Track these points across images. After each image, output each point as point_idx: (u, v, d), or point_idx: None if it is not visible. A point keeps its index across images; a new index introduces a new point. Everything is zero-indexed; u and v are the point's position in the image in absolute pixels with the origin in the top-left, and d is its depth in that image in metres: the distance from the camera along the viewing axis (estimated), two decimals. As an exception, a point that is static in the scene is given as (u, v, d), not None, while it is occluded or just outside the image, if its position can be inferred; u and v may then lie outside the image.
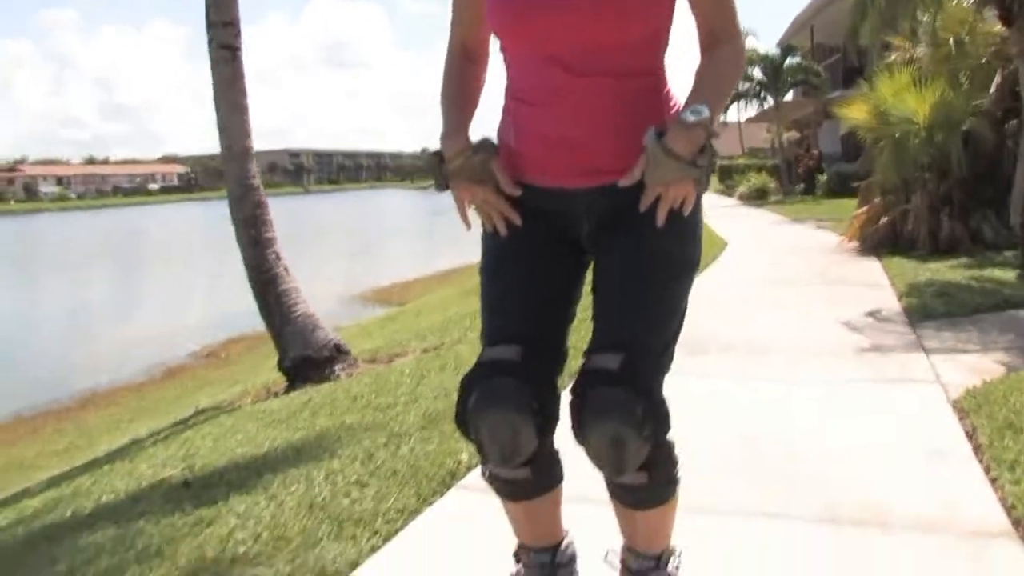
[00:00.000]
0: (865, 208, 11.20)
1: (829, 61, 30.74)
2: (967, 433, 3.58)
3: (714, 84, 1.81)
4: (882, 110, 10.75)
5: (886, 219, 10.57)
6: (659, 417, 1.76)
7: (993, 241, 9.72)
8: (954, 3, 9.46)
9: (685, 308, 1.86)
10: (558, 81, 1.78)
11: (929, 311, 6.35)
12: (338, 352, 6.66)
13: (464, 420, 1.82)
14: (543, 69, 1.79)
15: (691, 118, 1.67)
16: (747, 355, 5.28)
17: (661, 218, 1.75)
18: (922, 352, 5.13)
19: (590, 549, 2.18)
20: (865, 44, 11.86)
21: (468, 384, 1.82)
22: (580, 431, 1.76)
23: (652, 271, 1.81)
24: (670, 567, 2.01)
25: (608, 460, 1.75)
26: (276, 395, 6.54)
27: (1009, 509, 2.79)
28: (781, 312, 6.71)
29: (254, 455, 4.08)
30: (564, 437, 1.88)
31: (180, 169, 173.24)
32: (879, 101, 10.88)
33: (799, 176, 28.82)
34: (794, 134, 33.49)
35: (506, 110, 1.94)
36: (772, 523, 2.82)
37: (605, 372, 1.73)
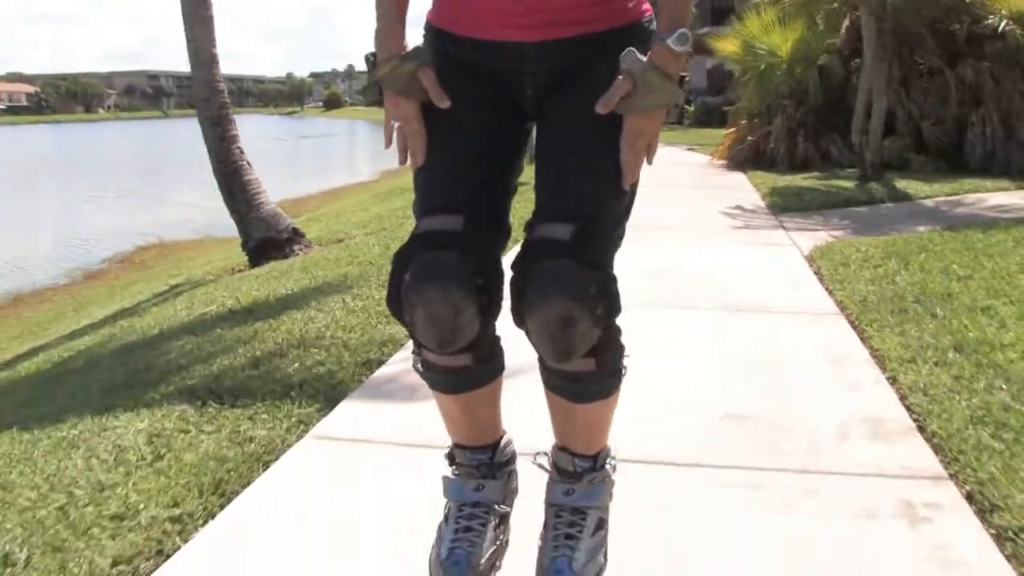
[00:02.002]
0: (732, 130, 12.79)
1: (698, -1, 32.37)
2: (814, 271, 5.05)
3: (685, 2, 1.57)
4: (750, 45, 12.28)
5: (750, 139, 12.19)
6: (612, 296, 1.55)
7: (839, 159, 11.43)
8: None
9: (636, 184, 1.63)
10: None
11: (787, 206, 7.92)
12: (295, 235, 7.77)
13: (397, 300, 1.56)
14: None
15: (678, 47, 1.50)
16: (646, 232, 6.62)
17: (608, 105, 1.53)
18: (782, 230, 6.65)
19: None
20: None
21: (403, 259, 1.57)
22: (524, 310, 1.53)
23: (606, 135, 1.56)
24: (607, 467, 1.78)
25: (555, 342, 1.51)
26: (241, 271, 7.58)
27: (838, 303, 4.23)
28: (669, 207, 8.11)
29: (278, 295, 5.17)
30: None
31: (28, 89, 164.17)
32: (748, 36, 12.40)
33: (668, 107, 30.50)
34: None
35: None
36: (689, 312, 4.18)
37: (555, 243, 1.51)
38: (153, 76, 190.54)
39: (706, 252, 5.70)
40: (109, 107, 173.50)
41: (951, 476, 2.34)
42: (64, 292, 12.46)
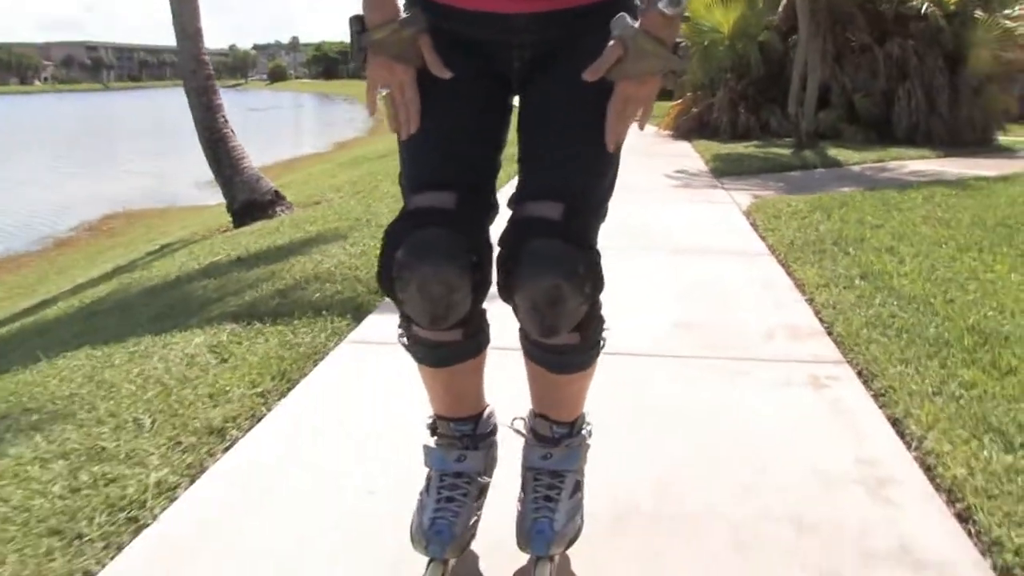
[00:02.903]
0: (678, 102, 13.56)
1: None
2: (750, 222, 5.81)
3: None
4: (694, 21, 13.02)
5: (695, 111, 13.00)
6: (598, 274, 1.59)
7: (777, 129, 12.26)
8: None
9: (619, 158, 1.67)
10: None
11: (727, 171, 8.72)
12: (277, 197, 8.36)
13: (389, 278, 1.56)
14: None
15: (670, 11, 1.48)
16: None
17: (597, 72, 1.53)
18: (722, 190, 7.43)
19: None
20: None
21: (395, 237, 1.56)
22: (513, 287, 1.55)
23: (593, 113, 1.57)
24: (584, 430, 1.85)
25: (543, 319, 1.54)
26: (227, 231, 8.17)
27: (769, 246, 4.99)
28: (620, 171, 8.83)
29: (278, 245, 5.79)
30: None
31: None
32: (692, 13, 13.13)
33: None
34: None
35: None
36: (642, 253, 4.91)
37: (545, 222, 1.54)
38: (92, 47, 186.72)
39: (655, 208, 6.43)
40: (46, 79, 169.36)
41: (847, 361, 3.09)
42: (38, 258, 12.86)
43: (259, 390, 2.91)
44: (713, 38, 12.70)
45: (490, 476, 1.88)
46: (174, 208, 16.69)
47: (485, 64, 1.65)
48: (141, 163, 26.96)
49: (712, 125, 12.75)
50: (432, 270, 1.50)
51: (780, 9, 12.76)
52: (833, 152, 10.21)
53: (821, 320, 3.57)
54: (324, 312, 3.77)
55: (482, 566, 1.86)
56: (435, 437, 1.86)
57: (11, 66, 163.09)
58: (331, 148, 27.75)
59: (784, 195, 6.98)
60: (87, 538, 2.00)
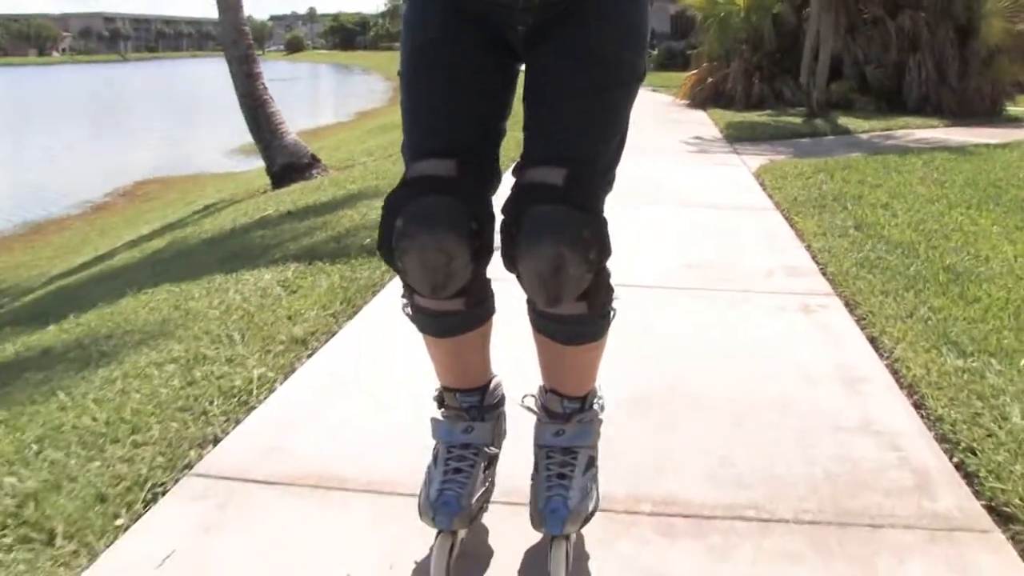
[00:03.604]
0: (694, 72, 13.95)
1: (663, -54, 33.23)
2: (758, 182, 6.26)
3: None
4: (711, -7, 13.41)
5: (711, 80, 13.39)
6: (603, 240, 1.56)
7: (790, 99, 12.64)
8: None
9: (627, 125, 1.67)
10: None
11: (740, 137, 9.16)
12: (314, 160, 8.85)
13: (389, 247, 1.55)
14: None
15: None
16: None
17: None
18: (735, 154, 7.87)
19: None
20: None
21: (395, 205, 1.56)
22: (516, 254, 1.53)
23: (598, 76, 1.57)
24: (595, 405, 1.82)
25: (547, 287, 1.52)
26: (266, 192, 8.67)
27: (775, 203, 5.44)
28: (634, 137, 9.27)
29: (323, 201, 6.28)
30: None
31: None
32: (709, -14, 13.52)
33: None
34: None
35: None
36: (658, 206, 5.37)
37: (548, 187, 1.53)
38: (110, 19, 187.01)
39: (670, 169, 6.88)
40: (64, 50, 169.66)
41: (836, 293, 3.56)
42: (79, 221, 13.40)
43: (330, 312, 3.40)
44: (729, 10, 13.08)
45: (499, 447, 1.85)
46: (204, 175, 17.15)
47: (488, 31, 1.64)
48: (166, 132, 27.48)
49: (727, 95, 13.14)
50: (431, 238, 1.49)
51: (795, -19, 13.11)
52: (843, 121, 10.61)
53: (816, 262, 4.03)
54: (376, 255, 4.25)
55: (492, 540, 1.85)
56: (442, 409, 1.84)
57: (29, 37, 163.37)
58: (353, 117, 28.09)
59: (793, 159, 7.41)
60: (211, 414, 2.50)
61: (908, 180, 6.00)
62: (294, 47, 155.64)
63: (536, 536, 1.77)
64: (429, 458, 1.79)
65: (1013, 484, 1.97)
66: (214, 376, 2.78)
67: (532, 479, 1.76)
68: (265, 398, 2.63)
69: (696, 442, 2.28)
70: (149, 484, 2.11)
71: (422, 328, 1.76)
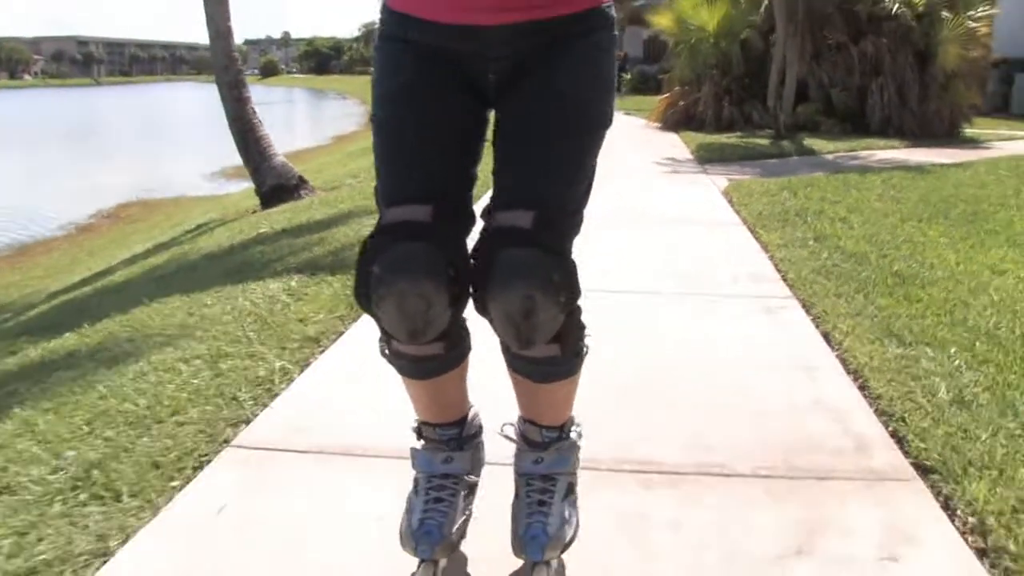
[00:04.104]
0: (666, 96, 14.42)
1: (635, -28, 33.90)
2: (726, 200, 6.66)
3: None
4: (682, 20, 13.88)
5: (682, 104, 13.86)
6: (573, 282, 1.57)
7: (759, 122, 13.11)
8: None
9: (595, 168, 1.69)
10: None
11: (710, 158, 9.59)
12: (302, 182, 9.17)
13: (365, 293, 1.56)
14: None
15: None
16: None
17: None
18: (705, 174, 8.29)
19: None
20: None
21: (371, 251, 1.56)
22: (487, 298, 1.54)
23: (566, 120, 1.61)
24: (572, 433, 1.85)
25: (519, 330, 1.53)
26: (256, 212, 8.98)
27: (742, 219, 5.83)
28: (610, 160, 9.67)
29: (316, 220, 6.60)
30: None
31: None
32: (680, 13, 14.00)
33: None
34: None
35: None
36: (632, 224, 5.75)
37: (517, 231, 1.53)
38: (83, 42, 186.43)
39: (643, 189, 7.28)
40: (36, 73, 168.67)
41: (794, 296, 3.93)
42: (65, 242, 13.61)
43: (337, 315, 3.73)
44: (699, 36, 13.56)
45: (478, 475, 1.89)
46: (186, 198, 17.37)
47: (461, 76, 1.65)
48: (144, 156, 27.63)
49: (698, 118, 13.61)
50: (409, 285, 1.49)
51: (761, 10, 13.59)
52: (809, 142, 11.08)
53: (778, 270, 4.41)
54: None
55: (473, 569, 1.88)
56: (421, 440, 1.86)
57: (1, 61, 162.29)
58: (331, 141, 28.42)
59: (759, 178, 7.83)
60: (241, 399, 2.83)
61: (866, 197, 6.42)
62: (269, 71, 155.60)
63: (517, 562, 1.78)
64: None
65: (934, 444, 2.33)
66: (239, 368, 3.11)
67: (512, 506, 1.81)
68: (287, 386, 2.95)
69: (671, 420, 2.63)
70: (195, 454, 2.44)
71: (400, 371, 1.77)
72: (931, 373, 2.85)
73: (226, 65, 9.08)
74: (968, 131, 12.93)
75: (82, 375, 3.41)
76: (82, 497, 2.22)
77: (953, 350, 3.06)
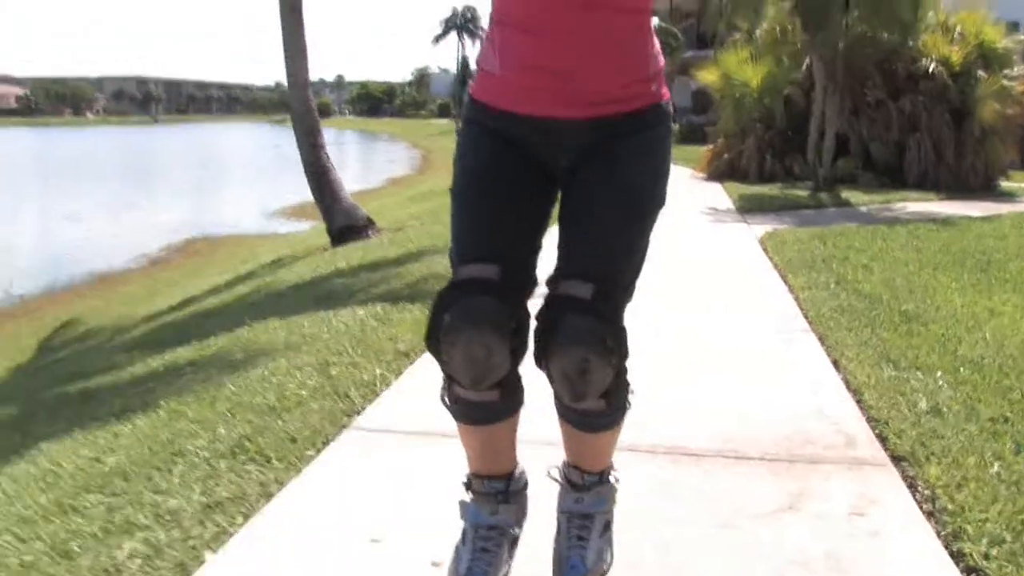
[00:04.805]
0: (712, 148, 15.10)
1: (685, 24, 34.81)
2: (762, 247, 7.28)
3: None
4: (727, 76, 14.58)
5: (727, 156, 14.54)
6: (623, 346, 1.77)
7: (800, 174, 13.72)
8: (771, 14, 13.09)
9: (648, 244, 1.89)
10: (559, 10, 1.73)
11: (751, 208, 10.23)
12: (370, 223, 9.94)
13: (436, 340, 1.76)
14: None
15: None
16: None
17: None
18: (745, 223, 8.92)
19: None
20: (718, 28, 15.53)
21: (443, 303, 1.76)
22: (547, 357, 1.75)
23: (625, 206, 1.82)
24: (611, 478, 2.05)
25: (573, 387, 1.74)
26: (326, 251, 9.75)
27: (774, 264, 6.45)
28: (659, 207, 10.37)
29: (389, 257, 7.32)
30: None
31: (18, 91, 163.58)
32: (726, 69, 14.72)
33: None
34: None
35: (490, 39, 1.89)
36: (676, 263, 6.40)
37: (577, 300, 1.74)
38: (143, 81, 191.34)
39: (687, 235, 7.93)
40: (98, 111, 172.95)
41: (812, 331, 4.53)
42: (140, 274, 14.55)
43: (421, 335, 4.37)
44: (744, 92, 14.26)
45: (521, 528, 2.05)
46: (248, 236, 18.28)
47: (533, 160, 1.86)
48: (205, 194, 28.85)
49: (742, 169, 14.26)
50: (476, 333, 1.69)
51: (803, 68, 14.24)
52: (846, 194, 11.67)
53: (800, 308, 5.02)
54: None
55: None
56: (470, 493, 2.03)
57: (66, 99, 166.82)
58: (385, 184, 29.26)
59: (795, 228, 8.44)
60: (351, 396, 3.50)
61: (890, 246, 7.01)
62: (322, 113, 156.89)
63: None
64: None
65: (907, 440, 2.94)
66: (345, 374, 3.79)
67: (555, 540, 2.03)
68: (386, 388, 3.63)
69: (697, 417, 3.26)
70: (322, 434, 3.12)
71: (458, 417, 1.95)
72: (916, 391, 3.45)
73: (303, 114, 9.91)
74: (1005, 184, 13.41)
75: (209, 377, 4.12)
76: (241, 459, 2.90)
77: (939, 374, 3.66)
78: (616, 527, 2.12)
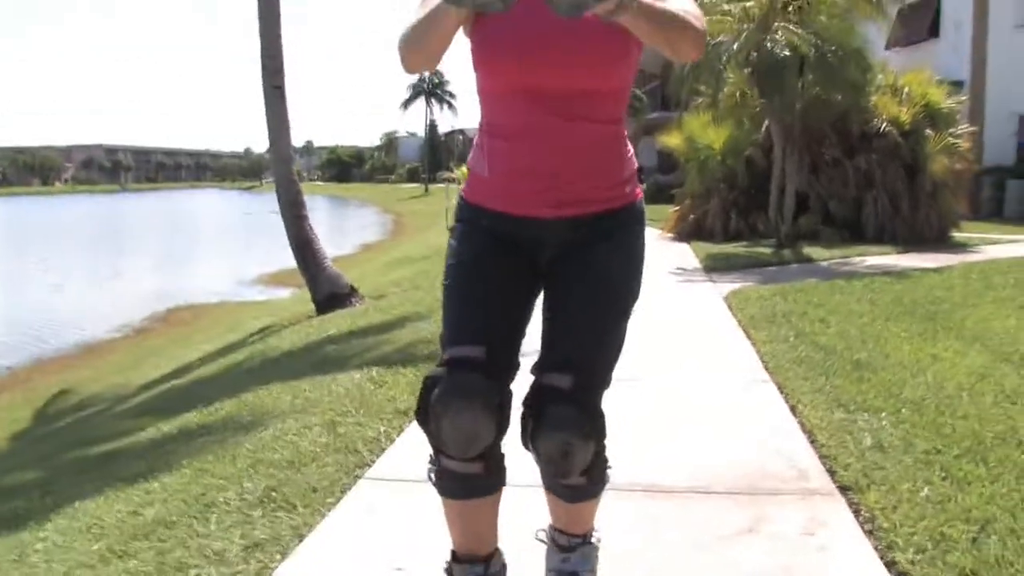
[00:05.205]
0: (678, 208, 15.71)
1: (649, 87, 35.72)
2: (727, 305, 7.77)
3: (657, 2, 1.74)
4: (691, 139, 15.25)
5: (693, 216, 15.15)
6: (600, 431, 2.00)
7: (764, 231, 14.29)
8: (731, 79, 13.75)
9: (625, 335, 2.07)
10: (542, 122, 1.91)
11: (716, 267, 10.76)
12: (352, 291, 10.36)
13: (426, 412, 1.95)
14: (528, 110, 1.92)
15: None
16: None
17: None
18: (710, 282, 9.45)
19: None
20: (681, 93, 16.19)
21: (433, 379, 1.96)
22: (532, 441, 1.95)
23: (603, 303, 2.01)
24: (593, 539, 2.28)
25: (557, 467, 1.95)
26: (311, 318, 10.15)
27: (738, 321, 6.93)
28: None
29: (374, 323, 7.73)
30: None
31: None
32: (689, 133, 15.40)
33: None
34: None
35: (479, 145, 2.07)
36: (643, 323, 6.85)
37: (558, 391, 1.93)
38: (111, 150, 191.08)
39: (659, 296, 8.39)
40: (67, 180, 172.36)
41: (772, 380, 4.99)
42: (125, 343, 14.82)
43: (416, 397, 4.82)
44: (707, 154, 14.93)
45: None
46: (230, 303, 18.58)
47: (520, 254, 2.07)
48: (181, 263, 29.12)
49: (708, 228, 14.85)
50: (464, 404, 1.88)
51: (763, 130, 14.92)
52: (808, 250, 12.23)
53: (761, 360, 5.49)
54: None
55: None
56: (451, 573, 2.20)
57: (34, 168, 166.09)
58: (358, 249, 29.59)
59: (757, 285, 8.95)
60: (360, 451, 3.91)
61: (847, 300, 7.52)
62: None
63: None
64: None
65: (852, 472, 3.39)
66: (352, 432, 4.19)
67: None
68: (391, 444, 4.03)
69: (671, 459, 3.70)
70: (339, 483, 3.52)
71: (444, 492, 2.11)
72: (862, 430, 3.90)
73: (286, 187, 10.38)
74: (958, 236, 14.02)
75: (224, 439, 4.50)
76: (270, 507, 3.29)
77: (883, 415, 4.11)
78: (611, 551, 2.52)
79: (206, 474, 3.83)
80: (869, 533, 2.91)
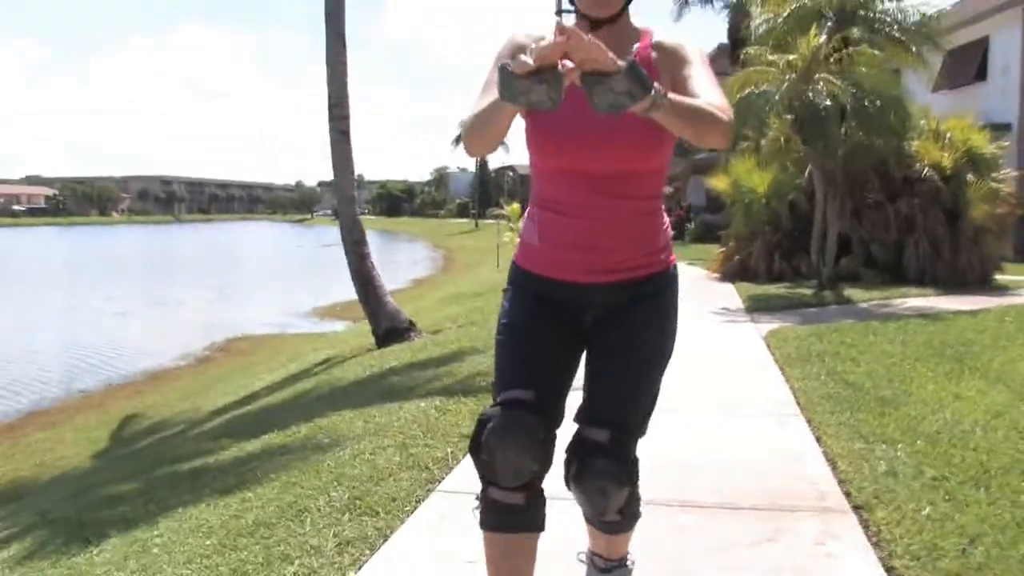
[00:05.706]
0: (724, 249, 16.16)
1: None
2: (765, 344, 8.22)
3: (688, 99, 1.92)
4: (737, 183, 15.72)
5: (738, 257, 15.58)
6: (634, 476, 2.29)
7: (806, 273, 14.67)
8: (775, 125, 14.19)
9: (659, 390, 2.34)
10: (589, 199, 2.15)
11: (758, 308, 11.19)
12: (411, 326, 10.93)
13: (479, 444, 2.17)
14: (576, 188, 2.16)
15: (659, 99, 1.75)
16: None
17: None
18: (751, 323, 9.89)
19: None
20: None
21: (486, 416, 2.20)
22: (574, 484, 2.23)
23: (638, 363, 2.26)
24: (628, 563, 2.62)
25: (595, 506, 2.24)
26: (371, 351, 10.73)
27: (775, 359, 7.38)
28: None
29: (434, 356, 8.27)
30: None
31: (47, 191, 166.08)
32: (734, 176, 15.87)
33: (672, 224, 33.95)
34: (668, 188, 38.97)
35: (531, 216, 2.32)
36: (687, 360, 7.34)
37: (596, 444, 2.18)
38: (167, 181, 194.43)
39: (703, 336, 8.87)
40: (123, 211, 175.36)
41: (801, 414, 5.44)
42: (188, 371, 15.49)
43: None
44: (752, 197, 15.37)
45: None
46: (286, 335, 19.23)
47: (565, 315, 2.30)
48: (238, 294, 29.91)
49: (752, 269, 15.26)
50: (514, 436, 2.11)
51: (806, 174, 15.34)
52: (848, 292, 12.59)
53: (794, 395, 5.94)
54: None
55: None
56: None
57: (92, 198, 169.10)
58: (410, 285, 30.14)
59: (796, 325, 9.38)
60: (431, 468, 4.43)
61: (879, 340, 7.94)
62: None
63: None
64: None
65: (866, 494, 3.85)
66: (422, 453, 4.72)
67: None
68: (457, 463, 4.55)
69: (702, 481, 4.17)
70: (415, 495, 4.05)
71: (486, 525, 2.28)
72: (879, 458, 4.36)
73: (350, 227, 11.03)
74: (1000, 278, 14.24)
75: (305, 457, 5.04)
76: (356, 512, 3.83)
77: (900, 446, 4.56)
78: (647, 556, 3.00)
79: (295, 486, 4.38)
80: (875, 544, 3.38)
